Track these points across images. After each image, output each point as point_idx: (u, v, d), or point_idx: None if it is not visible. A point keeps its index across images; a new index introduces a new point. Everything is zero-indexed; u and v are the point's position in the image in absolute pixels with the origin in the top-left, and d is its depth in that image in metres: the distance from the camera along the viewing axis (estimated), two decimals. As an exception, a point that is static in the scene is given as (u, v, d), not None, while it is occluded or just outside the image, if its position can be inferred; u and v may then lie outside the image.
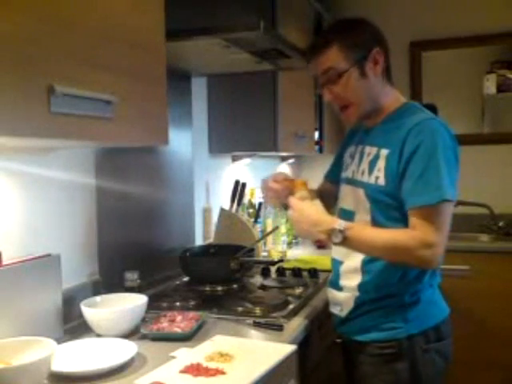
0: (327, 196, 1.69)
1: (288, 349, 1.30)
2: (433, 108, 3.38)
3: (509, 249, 2.80)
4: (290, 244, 2.82)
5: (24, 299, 1.32)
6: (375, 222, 1.42)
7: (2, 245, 1.31)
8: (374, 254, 1.40)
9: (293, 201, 1.46)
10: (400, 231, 1.37)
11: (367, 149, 1.48)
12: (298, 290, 1.83)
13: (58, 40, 0.99)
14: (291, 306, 1.64)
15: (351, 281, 1.47)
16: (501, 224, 3.17)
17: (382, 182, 1.39)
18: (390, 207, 1.39)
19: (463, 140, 3.26)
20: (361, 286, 1.45)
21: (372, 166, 1.43)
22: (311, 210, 1.42)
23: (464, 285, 2.69)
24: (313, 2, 2.66)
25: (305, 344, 1.53)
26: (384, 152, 1.41)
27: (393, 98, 1.50)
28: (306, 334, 1.55)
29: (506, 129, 3.31)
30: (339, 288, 1.52)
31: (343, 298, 1.50)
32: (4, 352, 1.12)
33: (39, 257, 1.38)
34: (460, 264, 2.73)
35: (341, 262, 1.51)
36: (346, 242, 1.35)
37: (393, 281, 1.42)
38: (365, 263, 1.45)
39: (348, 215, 1.49)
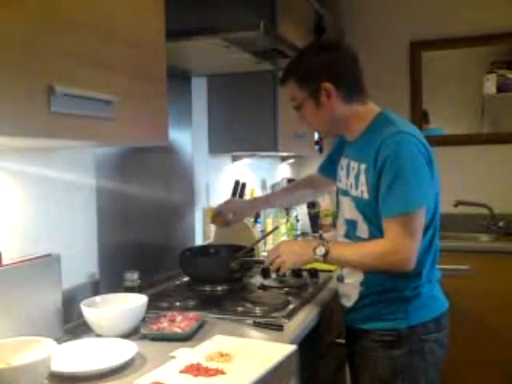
0: (314, 185, 2.03)
1: (288, 349, 1.30)
2: (423, 113, 3.40)
3: (509, 249, 2.79)
4: (289, 244, 2.81)
5: (24, 299, 1.32)
6: (370, 233, 1.51)
7: (2, 245, 1.31)
8: (352, 265, 1.55)
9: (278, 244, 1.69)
10: (368, 242, 1.50)
11: (351, 163, 1.58)
12: (298, 290, 1.83)
13: (58, 40, 0.99)
14: (291, 306, 1.64)
15: (354, 278, 1.57)
16: (501, 224, 3.17)
17: (366, 195, 1.49)
18: (378, 218, 1.48)
19: (463, 140, 3.33)
20: (363, 283, 1.55)
21: (357, 181, 1.53)
22: (291, 242, 1.77)
23: (464, 285, 2.69)
24: (313, 1, 2.66)
25: (305, 344, 1.53)
26: (362, 167, 1.50)
27: (362, 115, 1.55)
28: (306, 334, 1.55)
29: (505, 129, 3.31)
30: (345, 283, 1.63)
31: (349, 290, 1.61)
32: (4, 352, 1.11)
33: (39, 257, 1.38)
34: (460, 264, 2.73)
35: None
36: (328, 253, 1.51)
37: (393, 277, 1.50)
38: None
39: (352, 224, 1.58)
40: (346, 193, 1.60)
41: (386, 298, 1.52)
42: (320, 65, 1.53)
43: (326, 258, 1.51)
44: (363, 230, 1.53)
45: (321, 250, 1.51)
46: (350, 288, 1.59)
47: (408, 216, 1.41)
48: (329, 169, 1.84)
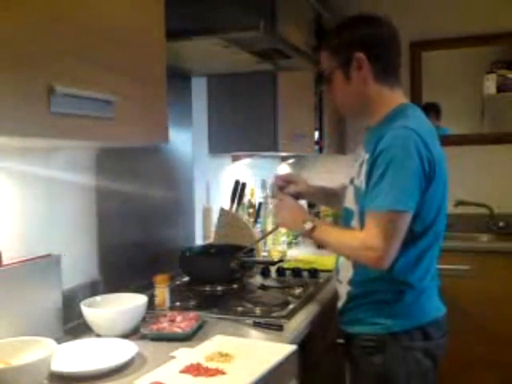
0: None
1: (288, 349, 1.30)
2: (434, 107, 3.38)
3: (509, 249, 2.79)
4: (289, 244, 2.82)
5: (24, 299, 1.32)
6: (361, 224, 1.44)
7: (2, 245, 1.31)
8: (330, 248, 1.58)
9: (282, 195, 1.69)
10: (349, 231, 1.49)
11: (362, 152, 1.51)
12: (298, 290, 1.83)
13: (58, 40, 0.99)
14: (291, 306, 1.64)
15: (345, 275, 1.53)
16: (501, 224, 3.17)
17: (363, 186, 1.43)
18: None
19: (463, 140, 3.33)
20: (351, 281, 1.51)
21: (360, 170, 1.47)
22: (292, 205, 1.65)
23: (464, 285, 2.69)
24: (313, 1, 2.66)
25: (305, 344, 1.53)
26: (366, 157, 1.44)
27: (387, 100, 1.48)
28: (306, 334, 1.55)
29: (506, 129, 3.31)
30: (340, 281, 1.58)
31: (341, 291, 1.57)
32: (4, 352, 1.12)
33: (39, 257, 1.38)
34: (460, 264, 2.73)
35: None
36: (314, 230, 1.51)
37: (373, 277, 1.44)
38: None
39: (349, 213, 1.52)
40: (351, 180, 1.54)
41: (368, 300, 1.47)
42: (356, 35, 1.47)
43: (311, 233, 1.52)
44: (357, 221, 1.47)
45: (308, 225, 1.51)
46: (341, 288, 1.55)
47: (391, 215, 1.33)
48: None
